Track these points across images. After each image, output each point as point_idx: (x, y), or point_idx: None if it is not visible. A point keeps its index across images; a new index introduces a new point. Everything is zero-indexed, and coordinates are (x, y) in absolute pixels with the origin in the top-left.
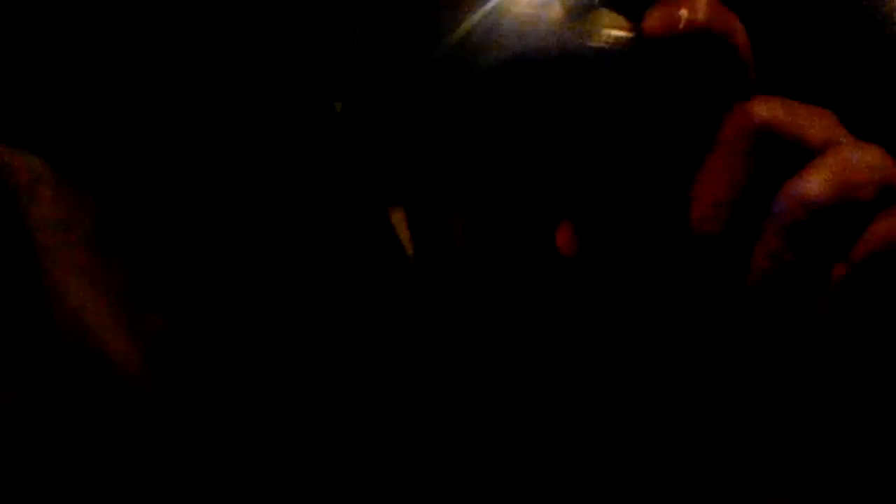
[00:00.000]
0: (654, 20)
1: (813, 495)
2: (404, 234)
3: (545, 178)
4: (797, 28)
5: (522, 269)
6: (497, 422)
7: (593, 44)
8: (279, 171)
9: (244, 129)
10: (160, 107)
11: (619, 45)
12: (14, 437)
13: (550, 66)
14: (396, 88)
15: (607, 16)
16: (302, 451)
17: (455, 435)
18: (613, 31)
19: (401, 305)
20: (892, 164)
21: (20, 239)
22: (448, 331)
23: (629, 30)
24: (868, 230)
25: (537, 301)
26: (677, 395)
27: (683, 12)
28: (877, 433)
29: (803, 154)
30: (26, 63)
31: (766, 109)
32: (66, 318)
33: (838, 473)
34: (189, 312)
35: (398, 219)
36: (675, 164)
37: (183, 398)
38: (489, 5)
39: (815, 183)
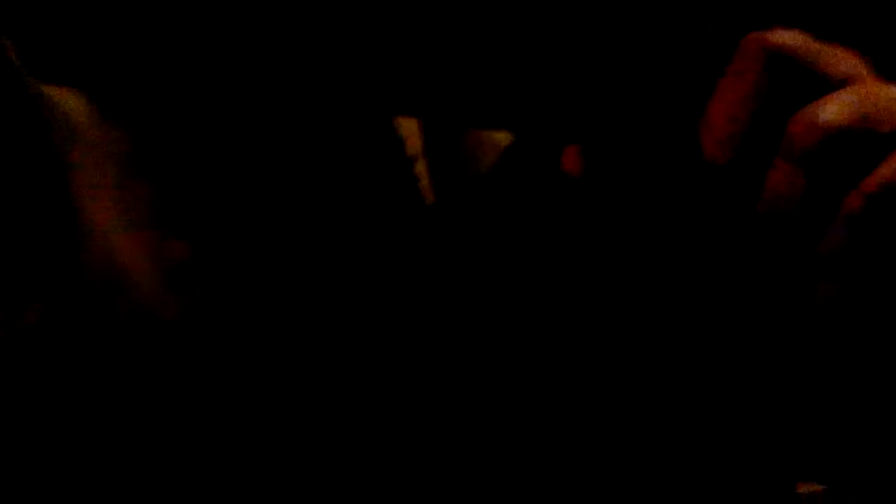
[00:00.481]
0: None
1: (843, 480)
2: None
3: (556, 98)
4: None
5: (532, 186)
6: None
7: None
8: (298, 107)
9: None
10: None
11: None
12: (33, 359)
13: None
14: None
15: None
16: (310, 390)
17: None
18: None
19: (416, 234)
20: None
21: (54, 165)
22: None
23: None
24: (885, 162)
25: (546, 220)
26: (701, 375)
27: None
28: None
29: (822, 85)
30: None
31: (784, 36)
32: (92, 241)
33: (867, 458)
34: (212, 242)
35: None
36: (688, 89)
37: (201, 326)
38: None
39: (832, 109)
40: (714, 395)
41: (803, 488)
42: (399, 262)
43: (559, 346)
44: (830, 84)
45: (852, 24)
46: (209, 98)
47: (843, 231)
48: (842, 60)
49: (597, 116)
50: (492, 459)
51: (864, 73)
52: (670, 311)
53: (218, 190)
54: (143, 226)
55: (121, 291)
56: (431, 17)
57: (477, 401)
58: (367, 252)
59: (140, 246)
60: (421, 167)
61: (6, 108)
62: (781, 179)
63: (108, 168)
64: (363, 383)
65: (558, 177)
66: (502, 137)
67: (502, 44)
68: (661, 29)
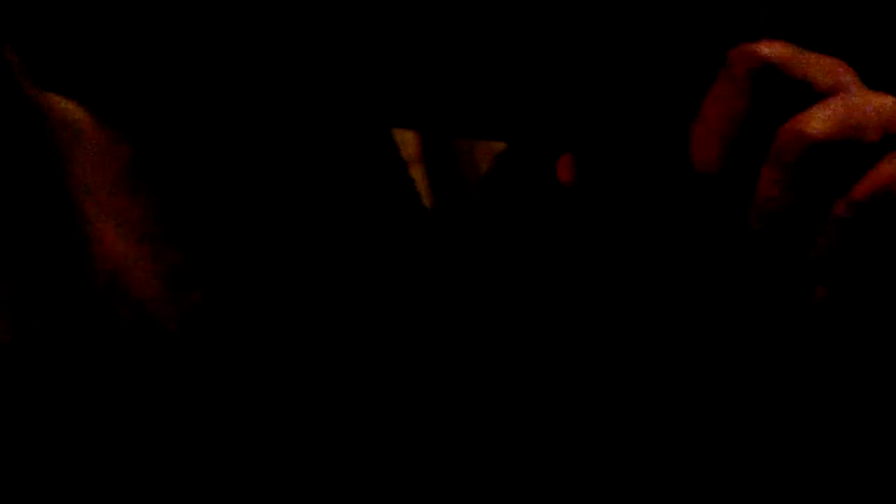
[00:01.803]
0: None
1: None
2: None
3: (549, 108)
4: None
5: (526, 193)
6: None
7: None
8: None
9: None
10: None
11: None
12: (38, 365)
13: None
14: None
15: None
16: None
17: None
18: None
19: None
20: None
21: (55, 171)
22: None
23: None
24: (871, 171)
25: (541, 228)
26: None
27: None
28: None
29: (810, 95)
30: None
31: (771, 48)
32: (92, 247)
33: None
34: (210, 248)
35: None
36: (679, 98)
37: (202, 333)
38: None
39: (819, 120)
40: (712, 398)
41: None
42: (395, 266)
43: (555, 350)
44: (817, 94)
45: (839, 34)
46: (207, 105)
47: (832, 238)
48: (828, 70)
49: (589, 126)
50: (491, 460)
51: (851, 81)
52: (666, 318)
53: (216, 196)
54: (141, 232)
55: (121, 297)
56: (427, 28)
57: (474, 402)
58: (364, 255)
59: (138, 252)
60: (418, 172)
61: (7, 114)
62: (770, 189)
63: (107, 175)
64: (362, 385)
65: (552, 185)
66: (498, 143)
67: (496, 54)
68: (653, 38)
